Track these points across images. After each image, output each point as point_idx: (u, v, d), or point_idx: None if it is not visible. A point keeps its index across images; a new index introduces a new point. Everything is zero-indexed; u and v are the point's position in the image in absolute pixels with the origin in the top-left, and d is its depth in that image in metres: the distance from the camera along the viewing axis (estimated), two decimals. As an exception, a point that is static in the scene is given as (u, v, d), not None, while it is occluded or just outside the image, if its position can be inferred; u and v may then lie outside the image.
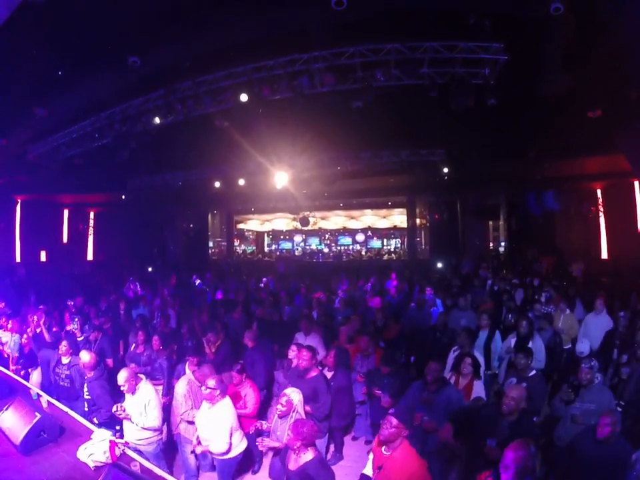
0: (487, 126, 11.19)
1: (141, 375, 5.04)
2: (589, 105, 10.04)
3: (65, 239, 21.56)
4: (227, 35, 8.56)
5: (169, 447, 5.45)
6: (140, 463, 3.46)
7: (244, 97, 9.93)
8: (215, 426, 4.52)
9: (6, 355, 7.02)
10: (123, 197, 19.01)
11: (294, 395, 4.38)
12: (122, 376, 4.65)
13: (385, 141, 14.11)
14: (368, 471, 3.76)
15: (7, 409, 3.96)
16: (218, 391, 4.51)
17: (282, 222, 29.44)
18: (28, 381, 5.96)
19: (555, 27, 7.54)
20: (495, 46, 8.69)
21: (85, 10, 7.28)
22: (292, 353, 5.74)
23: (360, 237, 28.66)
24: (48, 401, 4.55)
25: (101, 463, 3.35)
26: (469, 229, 20.48)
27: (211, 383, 4.49)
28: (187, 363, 5.78)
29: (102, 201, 21.25)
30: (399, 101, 10.24)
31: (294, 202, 20.41)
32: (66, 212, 21.63)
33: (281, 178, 15.41)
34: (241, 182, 17.42)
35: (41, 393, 4.78)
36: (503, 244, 20.67)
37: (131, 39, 8.38)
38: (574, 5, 7.14)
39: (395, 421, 3.40)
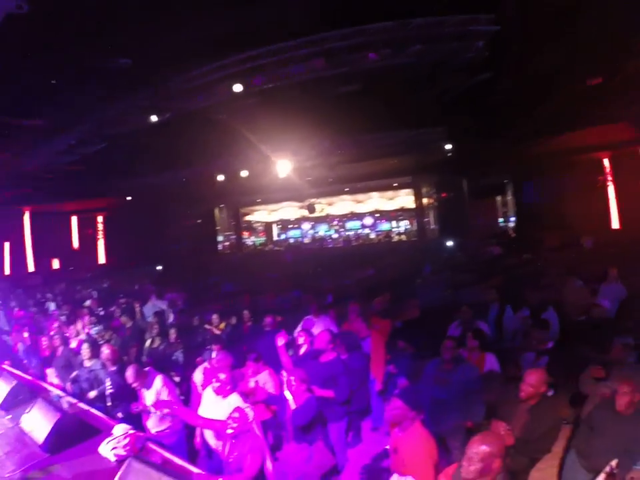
0: (484, 104, 11.07)
1: (147, 368, 5.03)
2: (587, 74, 9.83)
3: (76, 245, 21.88)
4: (209, 28, 8.49)
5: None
6: (161, 454, 3.53)
7: (238, 87, 9.92)
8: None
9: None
10: (129, 198, 19.18)
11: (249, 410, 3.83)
12: (129, 374, 4.69)
13: (381, 122, 13.95)
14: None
15: (29, 411, 4.07)
16: (228, 386, 4.37)
17: (289, 211, 29.20)
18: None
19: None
20: (484, 17, 8.57)
21: (69, 17, 7.30)
22: (301, 338, 5.63)
23: (368, 221, 28.24)
24: (68, 400, 4.66)
25: (123, 456, 3.42)
26: (476, 207, 20.33)
27: (222, 376, 4.34)
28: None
29: (109, 204, 21.48)
30: (391, 83, 10.17)
31: (299, 190, 20.38)
32: (74, 219, 21.91)
33: (283, 166, 15.41)
34: (244, 173, 17.44)
35: (61, 393, 4.89)
36: (512, 219, 20.50)
37: (118, 39, 8.37)
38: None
39: (398, 402, 3.37)
